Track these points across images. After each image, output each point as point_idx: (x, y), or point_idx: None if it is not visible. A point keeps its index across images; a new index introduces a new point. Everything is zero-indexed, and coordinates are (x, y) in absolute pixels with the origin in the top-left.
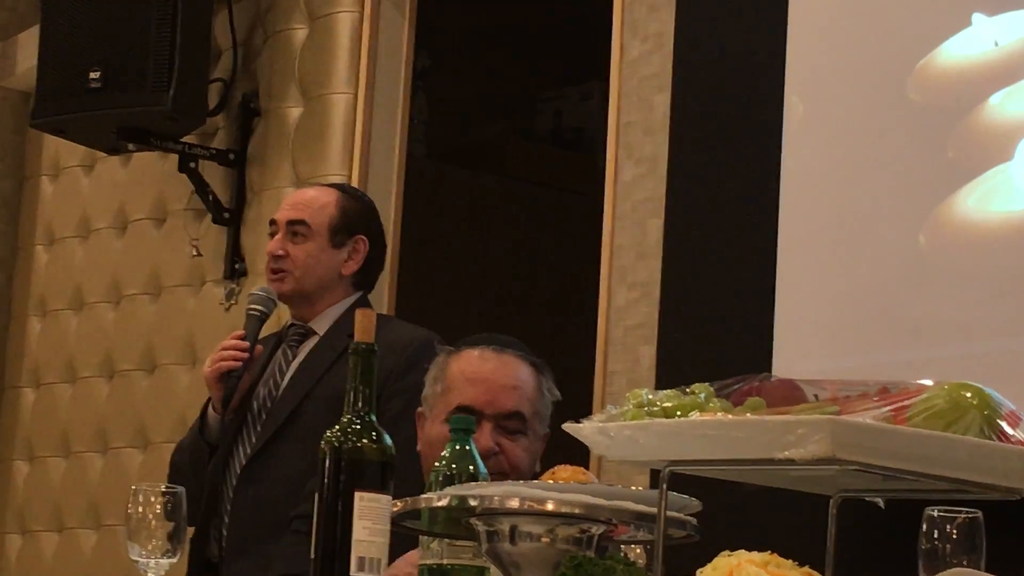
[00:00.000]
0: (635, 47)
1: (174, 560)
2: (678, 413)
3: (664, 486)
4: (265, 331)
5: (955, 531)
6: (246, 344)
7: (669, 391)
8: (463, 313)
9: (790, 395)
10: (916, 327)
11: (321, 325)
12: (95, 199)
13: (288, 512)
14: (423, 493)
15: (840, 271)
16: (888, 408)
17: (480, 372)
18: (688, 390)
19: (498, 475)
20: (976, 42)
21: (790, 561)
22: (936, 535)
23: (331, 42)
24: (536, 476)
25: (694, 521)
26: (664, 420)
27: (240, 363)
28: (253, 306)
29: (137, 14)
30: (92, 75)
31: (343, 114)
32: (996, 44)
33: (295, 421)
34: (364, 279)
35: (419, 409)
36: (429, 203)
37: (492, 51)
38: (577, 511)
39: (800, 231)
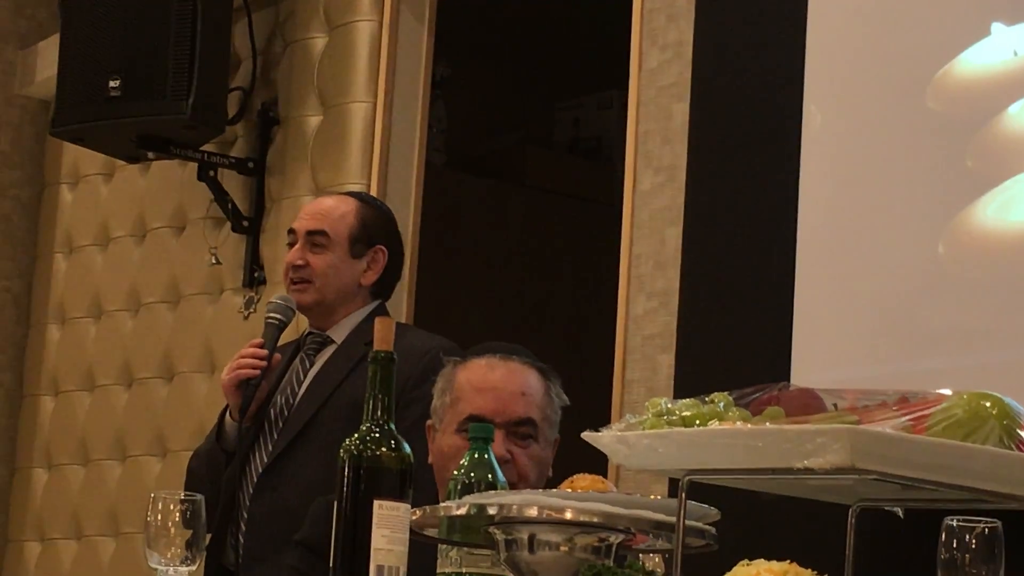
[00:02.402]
0: (654, 56)
1: (193, 568)
2: (697, 422)
3: (683, 495)
4: (283, 339)
5: (974, 541)
6: (264, 352)
7: (688, 400)
8: (481, 322)
9: (809, 404)
10: (935, 336)
11: (339, 334)
12: (114, 207)
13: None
14: (436, 503)
15: (859, 280)
16: (907, 418)
17: (488, 380)
18: (707, 399)
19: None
20: (995, 52)
21: (809, 571)
22: (955, 545)
23: (350, 51)
24: (554, 484)
25: (713, 530)
26: (683, 429)
27: (258, 371)
28: (272, 315)
29: (157, 23)
30: (112, 84)
31: (362, 123)
32: (1016, 54)
33: (312, 429)
34: (382, 288)
35: (428, 422)
36: (447, 212)
37: (511, 60)
38: (596, 520)
39: (819, 240)
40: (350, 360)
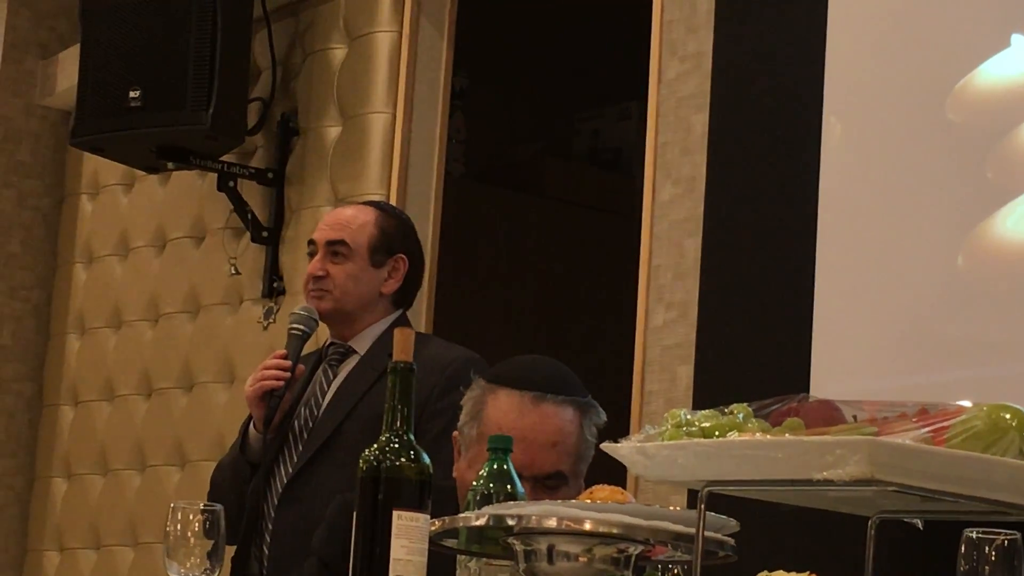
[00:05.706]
0: (673, 67)
1: None
2: (716, 433)
3: (702, 506)
4: (304, 350)
5: (994, 553)
6: (288, 363)
7: (707, 411)
8: (500, 332)
9: (828, 416)
10: (955, 348)
11: (361, 344)
12: (134, 218)
13: None
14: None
15: (878, 291)
16: (927, 429)
17: (518, 429)
18: (726, 410)
19: None
20: (1015, 63)
21: None
22: (975, 557)
23: (370, 61)
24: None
25: (732, 541)
26: (702, 440)
27: (282, 382)
28: (295, 325)
29: (177, 34)
30: (132, 94)
31: (381, 133)
32: None
33: (336, 441)
34: (403, 297)
35: (455, 433)
36: (467, 222)
37: (530, 71)
38: (615, 531)
39: (838, 251)
40: (374, 371)
